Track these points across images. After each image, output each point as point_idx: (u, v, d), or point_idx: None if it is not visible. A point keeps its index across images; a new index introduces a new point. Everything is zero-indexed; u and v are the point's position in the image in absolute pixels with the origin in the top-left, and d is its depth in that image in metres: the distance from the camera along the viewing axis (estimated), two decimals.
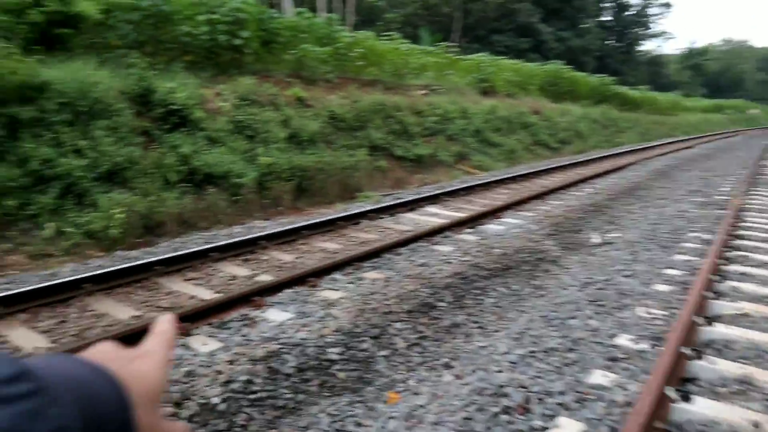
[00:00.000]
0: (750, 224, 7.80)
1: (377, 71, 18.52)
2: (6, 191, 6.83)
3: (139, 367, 0.50)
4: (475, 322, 5.38)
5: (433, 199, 9.39)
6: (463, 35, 41.90)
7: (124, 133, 8.36)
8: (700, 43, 72.78)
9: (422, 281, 5.59)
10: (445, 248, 6.70)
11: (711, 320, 4.46)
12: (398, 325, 4.79)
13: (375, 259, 6.11)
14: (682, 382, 3.59)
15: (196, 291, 5.07)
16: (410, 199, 9.13)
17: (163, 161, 8.47)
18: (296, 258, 6.18)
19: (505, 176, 12.10)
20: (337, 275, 5.53)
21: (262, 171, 9.48)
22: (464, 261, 6.30)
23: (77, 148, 7.62)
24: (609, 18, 59.18)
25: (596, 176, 12.81)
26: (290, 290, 5.04)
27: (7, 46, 7.81)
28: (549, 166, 13.96)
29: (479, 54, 25.33)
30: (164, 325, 0.59)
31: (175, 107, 9.08)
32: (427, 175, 14.49)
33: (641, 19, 61.91)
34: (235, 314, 4.50)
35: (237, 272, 5.64)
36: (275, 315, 4.59)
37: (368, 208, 8.43)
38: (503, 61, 26.03)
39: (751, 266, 5.98)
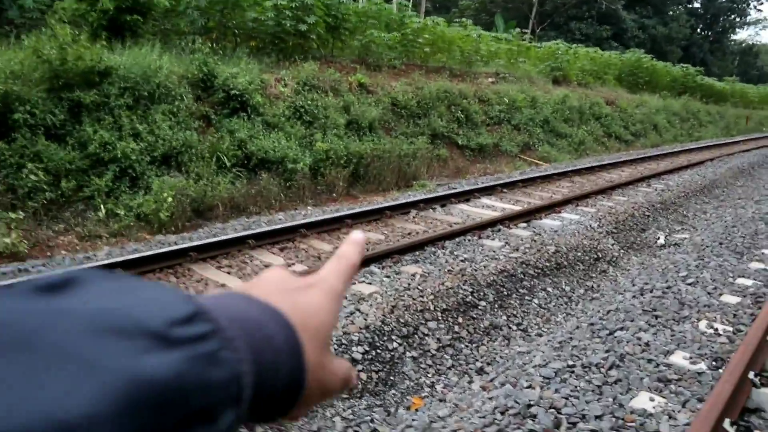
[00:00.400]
0: None
1: (445, 58, 18.09)
2: (65, 173, 6.92)
3: (310, 300, 0.45)
4: (518, 325, 5.04)
5: (489, 191, 8.96)
6: (540, 22, 40.61)
7: (182, 118, 8.35)
8: None
9: (464, 278, 5.26)
10: (494, 243, 6.33)
11: None
12: (432, 324, 4.50)
13: (417, 252, 5.81)
14: (744, 413, 3.14)
15: (227, 279, 4.92)
16: (466, 189, 8.75)
17: (219, 146, 8.42)
18: (335, 248, 5.96)
19: (570, 169, 11.48)
20: (374, 268, 5.27)
21: (318, 157, 9.32)
22: (513, 257, 5.91)
23: (136, 132, 7.66)
24: (699, 5, 55.97)
25: (669, 172, 12.00)
26: None
27: (75, 32, 7.91)
28: (618, 160, 13.18)
29: (554, 41, 24.40)
30: (351, 246, 0.52)
31: (235, 92, 9.01)
32: (489, 165, 14.03)
33: (736, 6, 58.21)
34: None
35: (272, 261, 5.46)
36: None
37: (420, 197, 8.11)
38: (579, 49, 25.00)
39: None
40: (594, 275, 6.24)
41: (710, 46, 52.16)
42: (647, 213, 8.42)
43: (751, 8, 59.09)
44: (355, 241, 0.52)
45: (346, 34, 13.95)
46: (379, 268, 5.28)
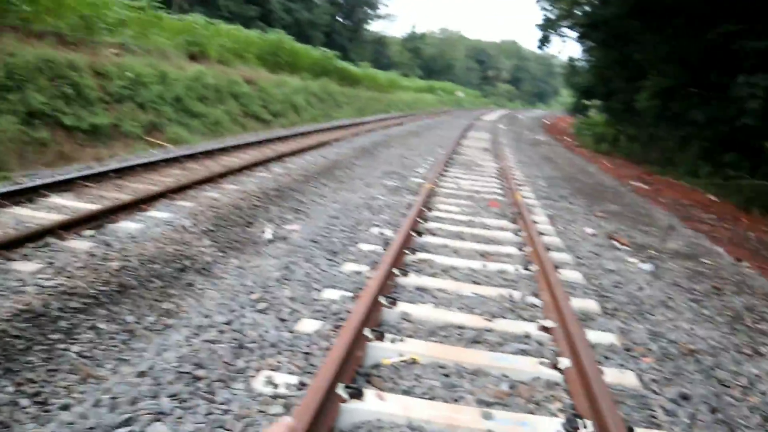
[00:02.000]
0: (436, 215, 6.84)
1: (56, 21, 14.90)
2: None
3: None
4: (33, 396, 3.31)
5: (66, 185, 6.87)
6: None
7: None
8: (420, 29, 77.26)
9: None
10: (27, 267, 4.43)
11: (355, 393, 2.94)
12: None
13: None
14: None
15: None
16: (32, 185, 6.53)
17: None
18: None
19: (188, 152, 9.96)
20: None
21: None
22: (50, 287, 4.12)
23: None
24: None
25: (295, 153, 11.33)
26: None
27: None
28: (247, 141, 12.12)
29: (193, 15, 22.49)
30: None
31: None
32: (104, 149, 11.69)
33: (369, 0, 63.28)
34: None
35: None
36: None
37: None
38: (220, 26, 23.59)
39: (429, 275, 4.80)
40: (175, 292, 4.79)
41: (350, 34, 55.79)
42: (258, 203, 7.34)
43: (380, 3, 65.06)
44: None
45: None
46: None
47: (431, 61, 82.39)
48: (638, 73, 23.42)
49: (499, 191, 9.08)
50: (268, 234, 6.62)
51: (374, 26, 66.09)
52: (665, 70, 20.78)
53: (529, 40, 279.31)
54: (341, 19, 56.78)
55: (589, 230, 7.42)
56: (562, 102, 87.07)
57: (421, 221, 6.29)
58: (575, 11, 31.46)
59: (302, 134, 14.91)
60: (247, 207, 7.14)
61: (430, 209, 6.93)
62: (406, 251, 5.15)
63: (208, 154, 10.03)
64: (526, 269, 5.10)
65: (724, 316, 5.14)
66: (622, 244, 7.45)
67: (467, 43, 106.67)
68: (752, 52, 14.63)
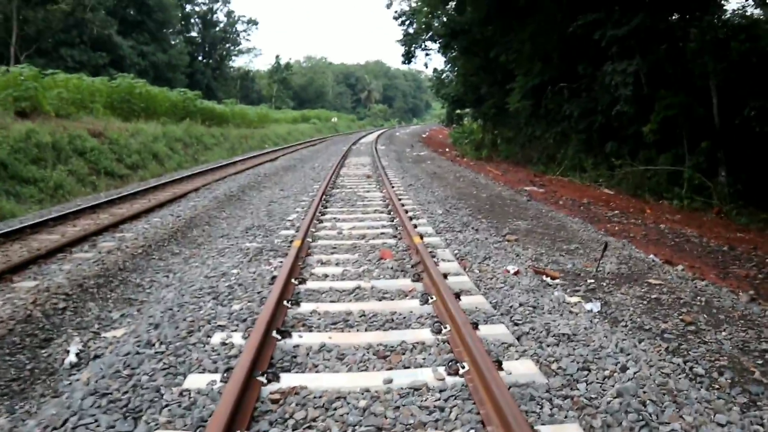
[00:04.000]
0: (310, 288, 4.85)
1: None
2: None
3: None
4: None
5: None
6: (24, 47, 33.99)
7: None
8: (285, 59, 74.92)
9: None
10: None
11: None
12: None
13: None
14: None
15: None
16: None
17: None
18: None
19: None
20: None
21: None
22: None
23: None
24: (196, 34, 56.17)
25: (139, 215, 8.95)
26: None
27: None
28: (78, 207, 9.55)
29: (22, 66, 19.24)
30: None
31: None
32: None
33: (229, 36, 60.48)
34: None
35: None
36: None
37: None
38: (57, 75, 20.49)
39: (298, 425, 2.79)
40: None
41: (213, 72, 52.90)
42: (65, 303, 5.05)
43: (241, 38, 62.54)
44: None
45: None
46: None
47: (301, 90, 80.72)
48: (505, 75, 22.81)
49: (390, 231, 7.23)
50: (72, 355, 4.38)
51: (238, 62, 63.37)
52: (532, 68, 20.15)
53: (394, 57, 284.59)
54: (202, 58, 53.70)
55: (511, 267, 5.72)
56: (435, 114, 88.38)
57: (288, 304, 4.28)
58: (433, 23, 30.84)
59: (153, 188, 12.40)
60: (43, 315, 4.83)
61: (302, 280, 4.93)
62: (262, 377, 3.12)
63: (14, 234, 7.44)
64: (452, 371, 3.21)
65: (735, 386, 3.53)
66: (553, 277, 5.82)
67: (334, 68, 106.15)
68: (614, 39, 13.98)
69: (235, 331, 3.84)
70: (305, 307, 4.28)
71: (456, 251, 6.25)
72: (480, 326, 3.81)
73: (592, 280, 5.83)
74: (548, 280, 5.72)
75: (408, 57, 32.63)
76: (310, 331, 3.87)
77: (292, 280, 4.83)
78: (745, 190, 11.43)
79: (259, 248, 6.15)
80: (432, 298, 4.35)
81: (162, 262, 6.89)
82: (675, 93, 12.94)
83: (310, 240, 6.49)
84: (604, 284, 5.72)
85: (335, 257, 5.85)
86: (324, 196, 9.90)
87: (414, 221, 7.69)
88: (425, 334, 3.76)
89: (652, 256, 7.03)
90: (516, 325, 4.09)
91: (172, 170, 19.61)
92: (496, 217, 9.26)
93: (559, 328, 4.10)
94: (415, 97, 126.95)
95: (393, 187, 11.17)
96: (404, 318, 4.10)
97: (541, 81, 19.43)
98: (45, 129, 15.62)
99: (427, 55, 36.90)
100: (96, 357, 4.27)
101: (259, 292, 4.65)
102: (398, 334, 3.78)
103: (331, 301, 4.50)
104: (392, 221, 7.85)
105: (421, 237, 6.38)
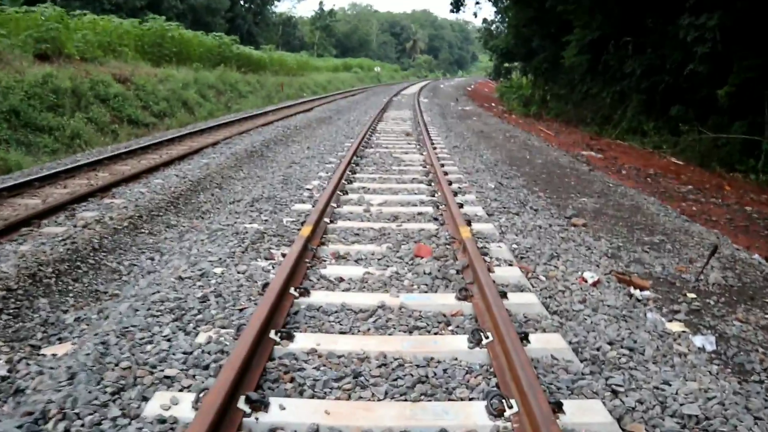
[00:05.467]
0: (314, 303, 3.47)
1: None
2: None
3: None
4: None
5: None
6: None
7: None
8: (329, 5, 72.31)
9: None
10: None
11: None
12: None
13: None
14: None
15: None
16: None
17: None
18: None
19: None
20: None
21: None
22: None
23: None
24: None
25: (137, 176, 7.64)
26: None
27: None
28: (77, 163, 8.32)
29: (44, 5, 18.05)
30: None
31: None
32: None
33: None
34: None
35: None
36: None
37: None
38: (83, 16, 19.31)
39: None
40: None
41: (254, 17, 51.01)
42: (1, 304, 3.82)
43: None
44: None
45: None
46: None
47: (345, 38, 78.21)
48: (560, 27, 20.67)
49: (429, 210, 5.76)
50: None
51: (281, 7, 61.31)
52: (591, 21, 17.98)
53: (442, 6, 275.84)
54: (243, 2, 51.79)
55: (588, 275, 4.24)
56: (482, 67, 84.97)
57: (277, 338, 2.92)
58: None
59: (171, 140, 11.11)
60: None
61: (304, 291, 3.56)
62: None
63: None
64: None
65: None
66: (642, 288, 4.33)
67: (380, 16, 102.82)
68: None
69: (184, 390, 2.50)
70: (301, 343, 2.91)
71: (514, 245, 4.78)
72: (564, 403, 2.38)
73: (693, 294, 4.32)
74: (636, 292, 4.23)
75: (457, 5, 30.33)
76: (301, 396, 2.50)
77: (291, 290, 3.46)
78: None
79: (259, 233, 4.78)
80: (486, 337, 2.92)
81: (152, 237, 5.63)
82: (757, 53, 10.90)
83: (328, 221, 5.09)
84: (711, 302, 4.21)
85: (356, 249, 4.45)
86: (354, 158, 8.46)
87: (459, 197, 6.21)
88: (478, 414, 2.36)
89: (757, 256, 5.44)
90: (614, 393, 2.65)
91: (202, 119, 18.39)
92: (556, 191, 7.72)
93: (677, 396, 2.66)
94: (461, 49, 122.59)
95: (435, 148, 9.63)
96: (445, 374, 2.69)
97: (600, 35, 17.33)
98: (65, 73, 14.46)
99: (477, 3, 34.41)
100: (16, 392, 3.01)
101: (240, 311, 3.29)
102: (435, 411, 2.38)
103: (341, 332, 3.12)
104: (433, 195, 6.38)
105: (469, 223, 4.92)
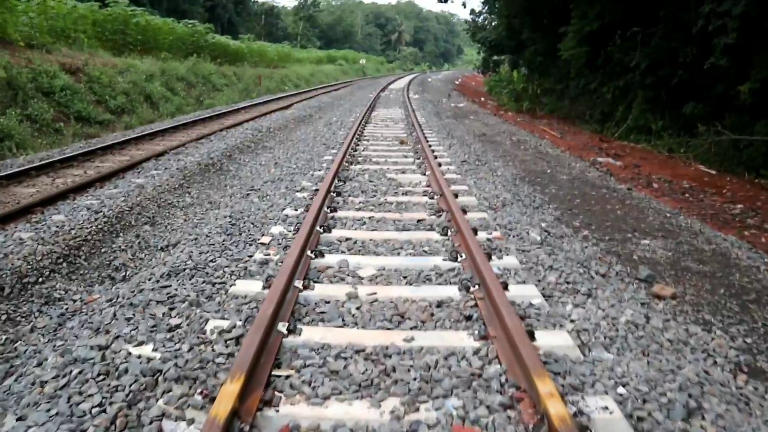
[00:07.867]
0: None
1: None
2: None
3: None
4: None
5: None
6: None
7: None
8: None
9: None
10: None
11: None
12: None
13: None
14: None
15: None
16: None
17: None
18: None
19: None
20: None
21: None
22: None
23: None
24: None
25: (34, 207, 5.40)
26: None
27: None
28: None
29: None
30: None
31: None
32: None
33: None
34: None
35: None
36: None
37: None
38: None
39: None
40: None
41: (235, 6, 48.15)
42: None
43: None
44: None
45: None
46: None
47: (329, 29, 75.29)
48: (553, 18, 18.53)
49: (454, 301, 3.42)
50: None
51: None
52: (589, 10, 15.83)
53: None
54: None
55: None
56: (468, 60, 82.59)
57: None
58: None
59: (108, 148, 8.75)
60: None
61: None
62: None
63: None
64: None
65: None
66: None
67: (364, 7, 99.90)
68: None
69: None
70: None
71: (620, 389, 2.58)
72: None
73: None
74: None
75: None
76: None
77: None
78: None
79: (154, 371, 2.53)
80: None
81: (54, 292, 3.41)
82: None
83: (285, 331, 2.86)
84: None
85: (330, 417, 2.24)
86: (336, 182, 6.22)
87: (496, 260, 3.97)
88: None
89: None
90: None
91: (168, 115, 16.03)
92: (602, 226, 5.61)
93: None
94: (447, 42, 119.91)
95: (441, 165, 7.40)
96: None
97: (600, 25, 15.20)
98: None
99: None
100: None
101: None
102: None
103: None
104: (455, 259, 4.09)
105: (532, 336, 2.73)
